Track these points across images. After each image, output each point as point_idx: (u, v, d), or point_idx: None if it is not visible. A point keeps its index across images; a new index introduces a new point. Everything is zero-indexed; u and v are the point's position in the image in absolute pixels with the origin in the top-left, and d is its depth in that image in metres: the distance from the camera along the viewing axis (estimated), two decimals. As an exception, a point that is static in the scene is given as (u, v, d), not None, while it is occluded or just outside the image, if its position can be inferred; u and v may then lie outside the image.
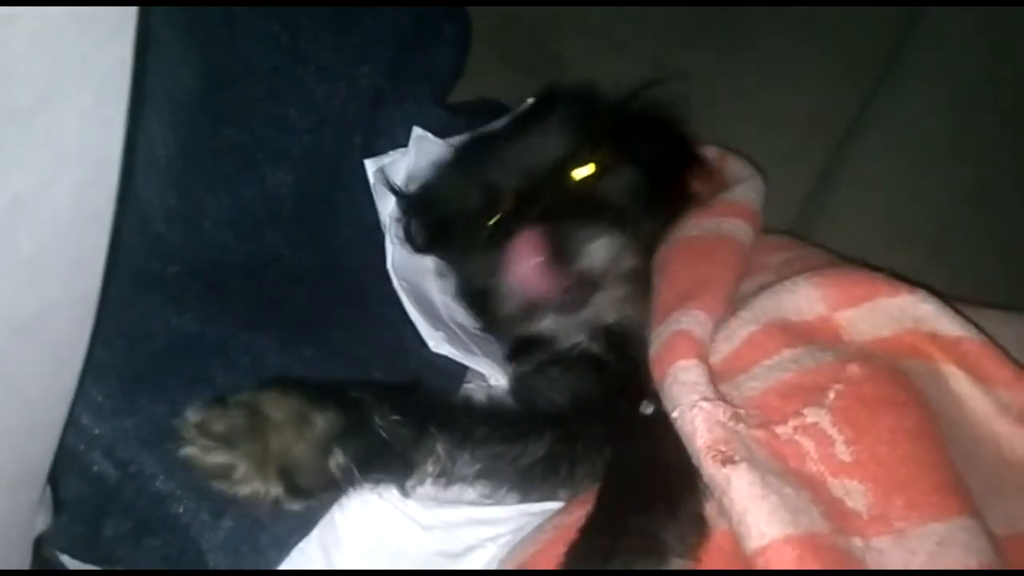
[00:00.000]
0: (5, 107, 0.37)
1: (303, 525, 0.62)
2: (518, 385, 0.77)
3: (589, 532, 0.54)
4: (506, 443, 0.66)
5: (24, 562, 0.56)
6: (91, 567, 0.62)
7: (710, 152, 0.85)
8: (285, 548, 0.62)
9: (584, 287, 0.71)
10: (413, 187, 0.87)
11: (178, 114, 0.71)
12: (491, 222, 0.78)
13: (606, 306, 0.72)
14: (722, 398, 0.54)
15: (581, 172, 0.77)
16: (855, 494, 0.50)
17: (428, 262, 0.87)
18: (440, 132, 0.91)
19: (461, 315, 0.86)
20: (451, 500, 0.66)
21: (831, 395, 0.53)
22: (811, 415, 0.52)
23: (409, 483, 0.63)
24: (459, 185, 0.83)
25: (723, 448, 0.50)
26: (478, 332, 0.85)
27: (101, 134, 0.42)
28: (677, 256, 0.69)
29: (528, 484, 0.67)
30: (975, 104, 0.92)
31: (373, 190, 0.87)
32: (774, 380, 0.55)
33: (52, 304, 0.45)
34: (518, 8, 1.06)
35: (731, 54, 1.00)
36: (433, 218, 0.85)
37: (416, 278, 0.86)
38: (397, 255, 0.85)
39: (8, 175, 0.39)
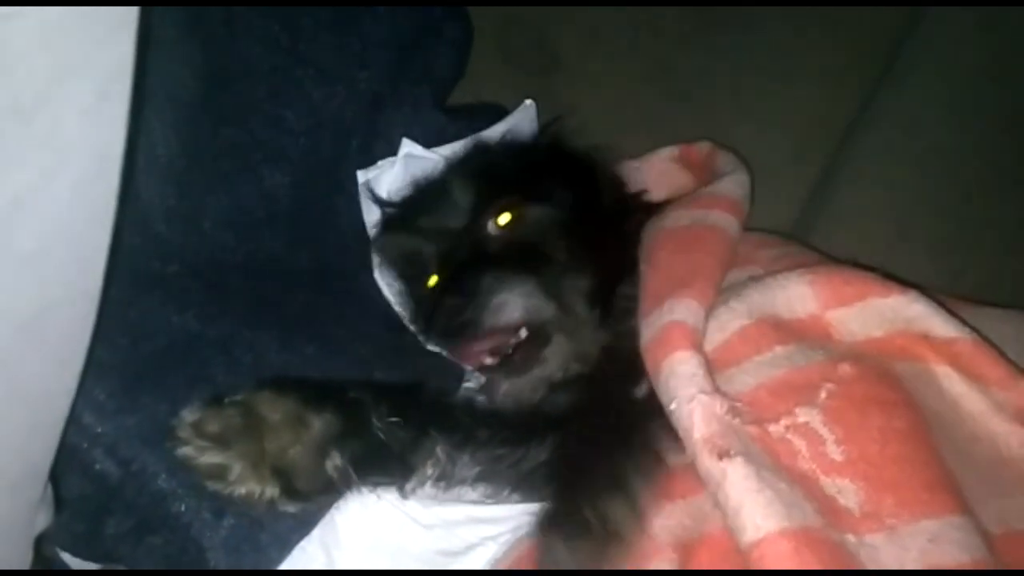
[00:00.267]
0: (6, 105, 0.37)
1: (304, 524, 0.62)
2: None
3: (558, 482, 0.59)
4: (507, 446, 0.64)
5: (25, 560, 0.56)
6: (92, 565, 0.63)
7: (701, 146, 0.85)
8: (286, 547, 0.61)
9: (529, 343, 0.71)
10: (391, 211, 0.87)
11: (179, 114, 0.71)
12: (429, 285, 0.80)
13: (560, 357, 0.72)
14: (718, 390, 0.54)
15: (495, 225, 0.76)
16: (847, 492, 0.50)
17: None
18: (439, 136, 0.91)
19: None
20: (451, 499, 0.66)
21: (822, 394, 0.53)
22: (802, 414, 0.53)
23: (408, 486, 0.63)
24: (396, 250, 0.84)
25: (719, 442, 0.51)
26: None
27: (102, 132, 0.42)
28: (665, 244, 0.69)
29: (529, 487, 0.66)
30: (975, 104, 0.91)
31: (361, 201, 0.88)
32: (766, 377, 0.55)
33: (53, 302, 0.45)
34: (518, 8, 1.06)
35: (731, 54, 1.00)
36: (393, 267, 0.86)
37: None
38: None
39: (9, 173, 0.39)
